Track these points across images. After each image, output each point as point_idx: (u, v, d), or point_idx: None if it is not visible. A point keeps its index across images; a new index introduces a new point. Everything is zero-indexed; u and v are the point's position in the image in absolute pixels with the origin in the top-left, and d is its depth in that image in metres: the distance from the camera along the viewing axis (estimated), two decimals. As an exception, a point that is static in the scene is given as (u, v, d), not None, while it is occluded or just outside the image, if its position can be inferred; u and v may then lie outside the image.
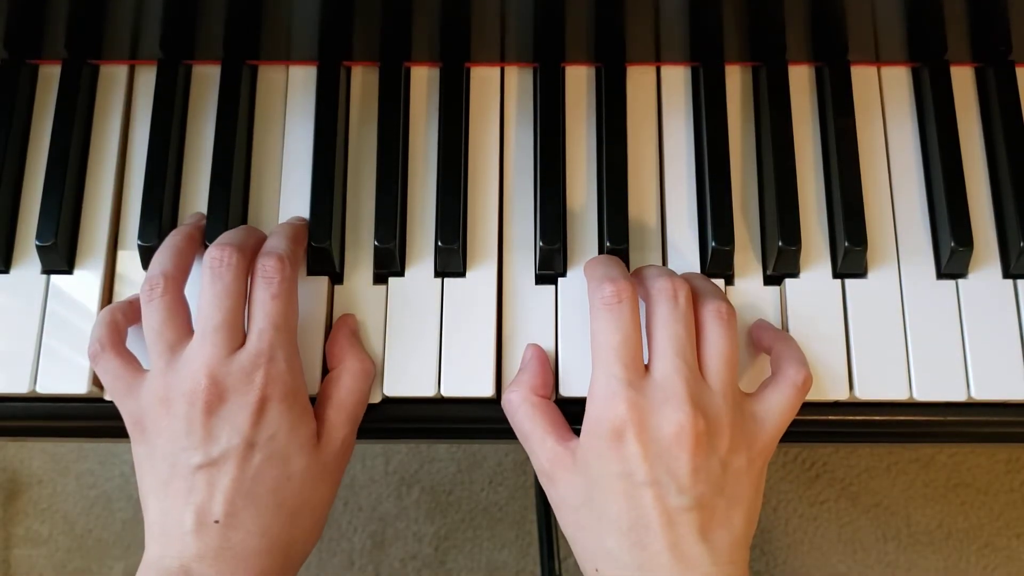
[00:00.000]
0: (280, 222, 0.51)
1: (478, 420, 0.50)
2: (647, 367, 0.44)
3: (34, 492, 1.17)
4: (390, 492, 1.16)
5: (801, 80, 0.54)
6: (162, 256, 0.47)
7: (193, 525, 0.43)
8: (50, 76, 0.54)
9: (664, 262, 0.51)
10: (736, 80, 0.54)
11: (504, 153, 0.53)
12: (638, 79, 0.54)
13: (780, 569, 1.15)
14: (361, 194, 0.52)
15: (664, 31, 0.52)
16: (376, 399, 0.49)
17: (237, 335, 0.45)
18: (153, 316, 0.45)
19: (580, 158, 0.52)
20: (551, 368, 0.48)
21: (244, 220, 0.52)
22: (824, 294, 0.50)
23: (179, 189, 0.52)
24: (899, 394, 0.48)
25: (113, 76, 0.54)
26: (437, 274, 0.50)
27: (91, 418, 0.50)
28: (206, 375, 0.43)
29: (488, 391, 0.48)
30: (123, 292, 0.51)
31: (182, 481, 0.43)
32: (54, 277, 0.50)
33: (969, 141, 0.53)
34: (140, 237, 0.50)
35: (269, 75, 0.54)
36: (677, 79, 0.54)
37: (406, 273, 0.50)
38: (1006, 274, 0.51)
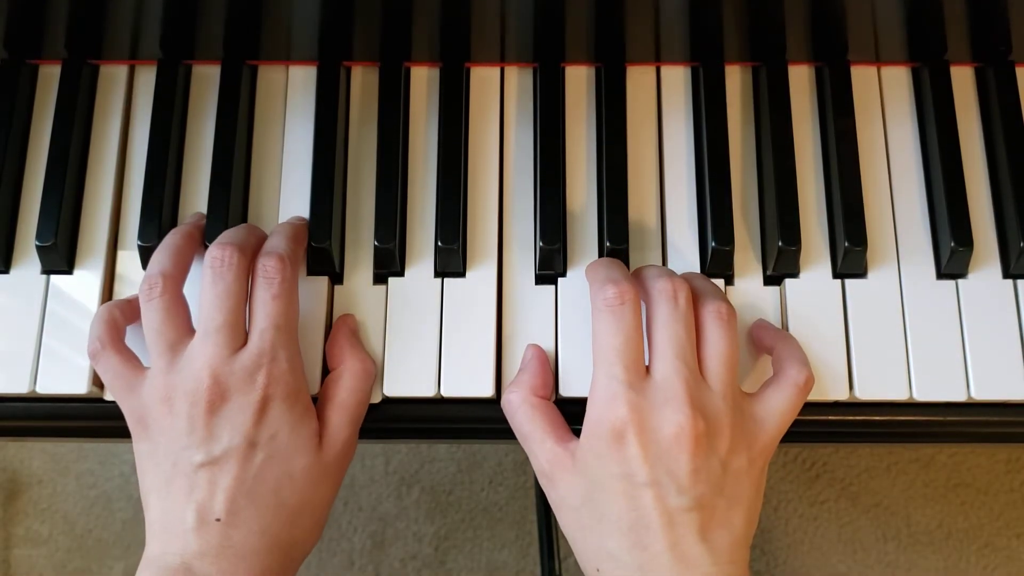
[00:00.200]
0: (280, 222, 0.51)
1: (478, 420, 0.50)
2: (647, 368, 0.44)
3: (34, 492, 1.17)
4: (390, 492, 1.16)
5: (801, 80, 0.54)
6: (161, 255, 0.47)
7: (194, 523, 0.43)
8: (50, 76, 0.54)
9: (664, 262, 0.51)
10: (736, 80, 0.54)
11: (504, 153, 0.53)
12: (638, 79, 0.54)
13: (780, 569, 1.15)
14: (361, 194, 0.52)
15: (664, 31, 0.52)
16: (376, 399, 0.49)
17: (239, 335, 0.45)
18: (153, 316, 0.45)
19: (580, 158, 0.52)
20: (551, 368, 0.48)
21: (244, 220, 0.52)
22: (824, 294, 0.50)
23: (179, 189, 0.52)
24: (899, 394, 0.48)
25: (113, 76, 0.54)
26: (437, 274, 0.50)
27: (91, 418, 0.50)
28: (209, 374, 0.43)
29: (488, 391, 0.48)
30: (123, 292, 0.51)
31: (184, 479, 0.43)
32: (54, 277, 0.50)
33: (969, 141, 0.53)
34: (140, 237, 0.50)
35: (269, 75, 0.54)
36: (677, 79, 0.54)
37: (406, 273, 0.50)
38: (1006, 274, 0.51)
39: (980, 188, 0.52)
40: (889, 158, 0.53)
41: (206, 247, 0.47)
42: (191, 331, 0.45)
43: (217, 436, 0.43)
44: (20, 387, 0.48)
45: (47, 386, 0.49)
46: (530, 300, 0.50)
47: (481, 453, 1.17)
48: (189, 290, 0.47)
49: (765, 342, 0.48)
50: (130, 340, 0.48)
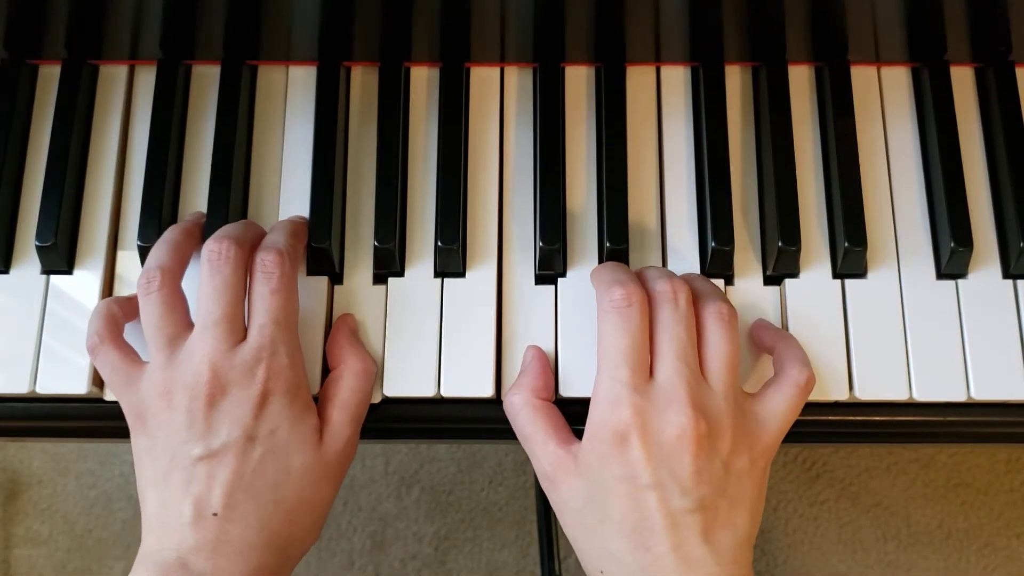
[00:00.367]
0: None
1: (478, 420, 0.50)
2: (650, 370, 0.44)
3: (34, 492, 1.17)
4: (390, 492, 1.16)
5: (801, 80, 0.54)
6: (159, 250, 0.47)
7: (191, 517, 0.43)
8: (50, 76, 0.54)
9: (664, 262, 0.51)
10: (736, 80, 0.54)
11: (504, 153, 0.53)
12: (638, 79, 0.54)
13: (780, 569, 1.15)
14: (361, 194, 0.52)
15: (664, 31, 0.52)
16: (376, 399, 0.49)
17: (238, 328, 0.45)
18: (151, 310, 0.45)
19: (580, 158, 0.52)
20: (552, 369, 0.48)
21: (244, 220, 0.52)
22: (824, 294, 0.50)
23: (179, 189, 0.52)
24: (899, 394, 0.48)
25: (113, 76, 0.54)
26: (437, 274, 0.50)
27: (91, 418, 0.50)
28: (208, 368, 0.43)
29: (488, 391, 0.48)
30: (122, 292, 0.51)
31: (182, 473, 0.43)
32: (54, 277, 0.50)
33: (969, 141, 0.53)
34: (140, 237, 0.50)
35: (269, 75, 0.54)
36: (677, 79, 0.54)
37: (406, 273, 0.50)
38: (1006, 274, 0.51)
39: (980, 188, 0.52)
40: (889, 158, 0.53)
41: None
42: (190, 325, 0.45)
43: (216, 430, 0.43)
44: (20, 387, 0.48)
45: (47, 386, 0.49)
46: (530, 300, 0.50)
47: (481, 453, 1.17)
48: (188, 286, 0.47)
49: (765, 342, 0.48)
50: (129, 337, 0.48)
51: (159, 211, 0.50)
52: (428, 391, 0.48)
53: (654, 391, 0.43)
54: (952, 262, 0.50)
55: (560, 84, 0.53)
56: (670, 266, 0.51)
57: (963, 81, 0.54)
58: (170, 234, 0.48)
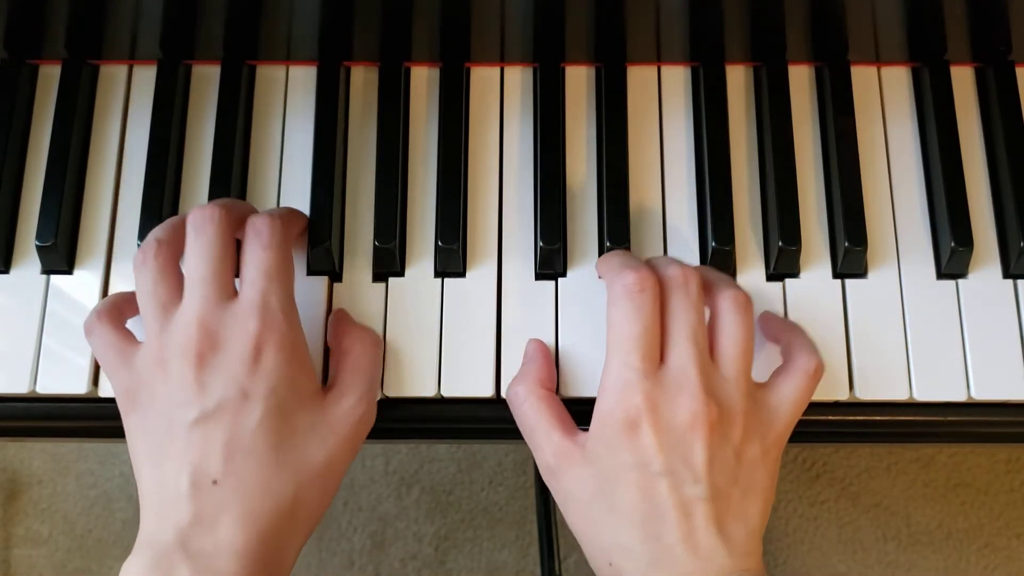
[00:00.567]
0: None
1: (478, 420, 0.50)
2: (661, 356, 0.44)
3: (34, 492, 1.17)
4: (390, 492, 1.16)
5: (801, 80, 0.54)
6: (157, 228, 0.46)
7: (189, 488, 0.41)
8: (50, 76, 0.54)
9: (664, 262, 0.51)
10: (736, 80, 0.54)
11: (504, 153, 0.53)
12: (638, 79, 0.54)
13: (780, 569, 1.15)
14: (361, 194, 0.52)
15: (664, 31, 0.52)
16: (376, 398, 0.49)
17: (227, 286, 0.43)
18: (145, 277, 0.44)
19: (580, 158, 0.52)
20: (554, 362, 0.48)
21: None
22: (824, 294, 0.50)
23: (179, 189, 0.52)
24: (899, 394, 0.48)
25: (113, 76, 0.54)
26: (437, 274, 0.50)
27: (91, 418, 0.50)
28: (197, 325, 0.42)
29: (488, 391, 0.48)
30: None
31: (178, 441, 0.42)
32: (54, 277, 0.50)
33: (969, 141, 0.53)
34: (140, 237, 0.50)
35: (269, 75, 0.54)
36: (677, 79, 0.54)
37: (406, 273, 0.50)
38: (1006, 274, 0.51)
39: (980, 188, 0.52)
40: (889, 158, 0.53)
41: None
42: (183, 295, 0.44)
43: (209, 389, 0.42)
44: (20, 387, 0.48)
45: (47, 386, 0.49)
46: (530, 300, 0.50)
47: (481, 453, 1.17)
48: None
49: (772, 332, 0.48)
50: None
51: (159, 211, 0.50)
52: (428, 391, 0.48)
53: (665, 377, 0.43)
54: (952, 262, 0.50)
55: (560, 84, 0.53)
56: (670, 266, 0.51)
57: (963, 81, 0.54)
58: (169, 219, 0.47)
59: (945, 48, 0.53)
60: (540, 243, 0.49)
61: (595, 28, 0.51)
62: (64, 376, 0.49)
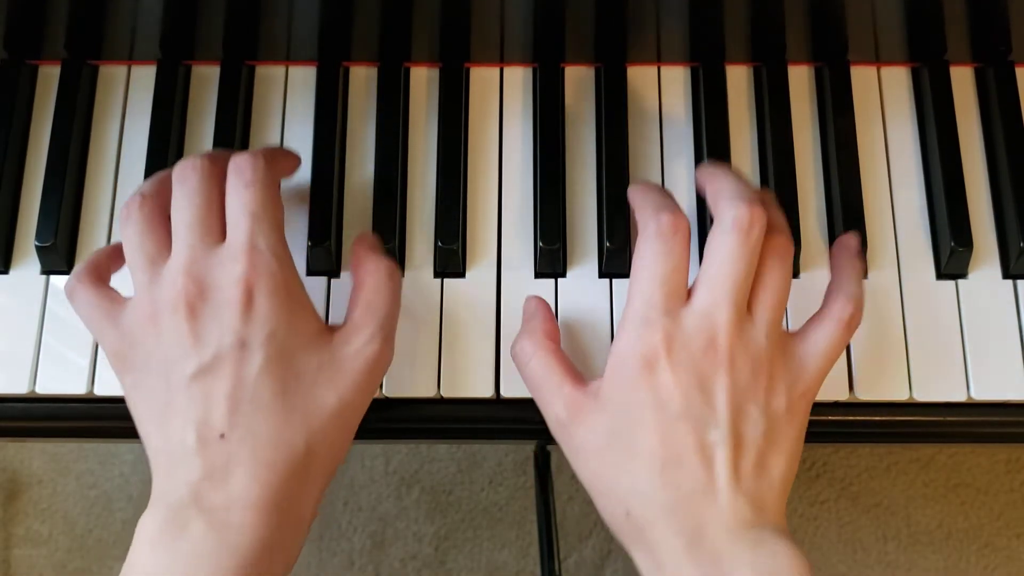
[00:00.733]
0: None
1: (478, 420, 0.50)
2: (688, 293, 0.42)
3: (34, 492, 1.17)
4: (390, 492, 1.16)
5: (801, 80, 0.54)
6: (142, 184, 0.45)
7: (195, 444, 0.39)
8: (50, 76, 0.54)
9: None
10: (736, 80, 0.54)
11: (504, 153, 0.53)
12: (638, 79, 0.54)
13: (780, 569, 1.15)
14: (360, 194, 0.52)
15: (664, 32, 0.52)
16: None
17: (213, 233, 0.42)
18: (131, 231, 0.43)
19: (580, 158, 0.52)
20: (555, 317, 0.47)
21: (244, 220, 0.52)
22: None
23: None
24: (899, 394, 0.48)
25: (113, 76, 0.54)
26: (437, 274, 0.50)
27: (91, 418, 0.50)
28: (184, 273, 0.41)
29: (488, 391, 0.48)
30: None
31: (180, 398, 0.40)
32: (54, 277, 0.50)
33: (969, 141, 0.53)
34: (140, 237, 0.50)
35: (268, 75, 0.54)
36: (677, 79, 0.54)
37: (406, 273, 0.50)
38: (1006, 274, 0.51)
39: (980, 188, 0.52)
40: (889, 158, 0.53)
41: None
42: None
43: (205, 340, 0.40)
44: (20, 387, 0.48)
45: (47, 386, 0.49)
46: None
47: (481, 453, 1.17)
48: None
49: (832, 267, 0.46)
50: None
51: (159, 211, 0.50)
52: (428, 391, 0.48)
53: (688, 318, 0.41)
54: (952, 262, 0.50)
55: (560, 84, 0.53)
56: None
57: (963, 81, 0.54)
58: (154, 175, 0.46)
59: (945, 48, 0.53)
60: (540, 243, 0.49)
61: (595, 28, 0.51)
62: (64, 376, 0.49)
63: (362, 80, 0.54)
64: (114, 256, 0.46)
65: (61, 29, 0.52)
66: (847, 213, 0.50)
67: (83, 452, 1.16)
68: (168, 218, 0.43)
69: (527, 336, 0.45)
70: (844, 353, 0.49)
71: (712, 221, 0.43)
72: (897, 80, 0.54)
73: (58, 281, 0.50)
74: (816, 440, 0.50)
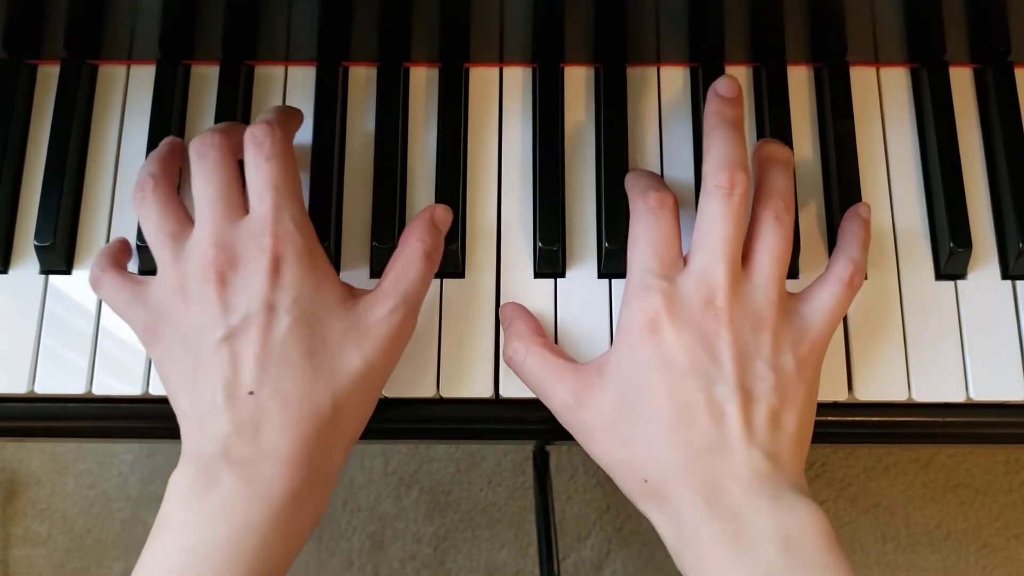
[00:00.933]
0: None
1: (478, 420, 0.50)
2: (685, 260, 0.44)
3: (33, 492, 1.17)
4: (389, 492, 1.16)
5: (800, 81, 0.54)
6: (147, 163, 0.47)
7: (224, 401, 0.41)
8: (49, 76, 0.54)
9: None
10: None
11: (503, 153, 0.53)
12: (638, 80, 0.54)
13: (779, 569, 1.15)
14: (359, 194, 0.52)
15: (664, 32, 0.52)
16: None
17: (236, 206, 0.44)
18: (149, 212, 0.45)
19: (579, 158, 0.52)
20: (534, 316, 0.48)
21: (243, 220, 0.52)
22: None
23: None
24: (898, 395, 0.48)
25: (112, 76, 0.54)
26: (436, 274, 0.50)
27: (90, 418, 0.50)
28: (212, 245, 0.42)
29: (487, 391, 0.48)
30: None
31: (209, 361, 0.41)
32: (53, 277, 0.50)
33: (968, 142, 0.53)
34: (139, 237, 0.50)
35: (268, 75, 0.54)
36: (677, 79, 0.54)
37: (405, 273, 0.50)
38: (1005, 275, 0.51)
39: (979, 189, 0.52)
40: (888, 159, 0.53)
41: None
42: (191, 222, 0.45)
43: (233, 306, 0.42)
44: (19, 387, 0.48)
45: (46, 386, 0.49)
46: (529, 300, 0.50)
47: (480, 453, 1.17)
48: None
49: (841, 229, 0.48)
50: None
51: (158, 211, 0.50)
52: (428, 391, 0.48)
53: (686, 279, 0.43)
54: (951, 263, 0.50)
55: (559, 84, 0.53)
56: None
57: (962, 82, 0.54)
58: (155, 152, 0.48)
59: (944, 49, 0.53)
60: (539, 243, 0.49)
61: (594, 29, 0.51)
62: (63, 376, 0.49)
63: (362, 80, 0.54)
64: (126, 249, 0.49)
65: (60, 28, 0.52)
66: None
67: (82, 452, 1.16)
68: (177, 195, 0.46)
69: (514, 338, 0.46)
70: (843, 354, 0.49)
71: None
72: (896, 81, 0.54)
73: (57, 281, 0.50)
74: (815, 440, 0.50)
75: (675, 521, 0.41)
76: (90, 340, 0.49)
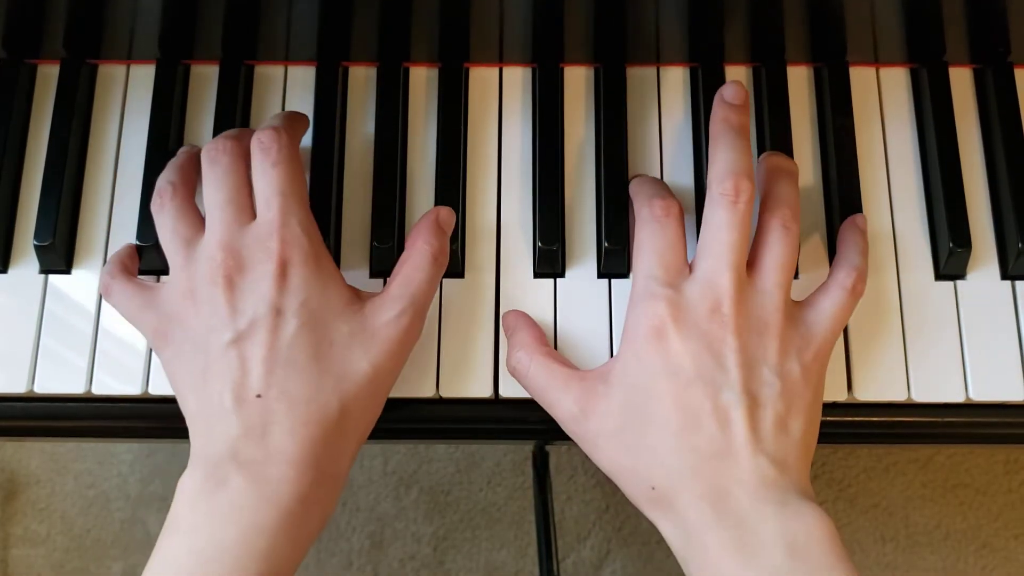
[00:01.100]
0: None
1: (477, 420, 0.50)
2: (691, 268, 0.44)
3: (32, 492, 1.17)
4: (388, 492, 1.16)
5: (800, 81, 0.54)
6: (167, 171, 0.48)
7: (232, 403, 0.41)
8: (49, 76, 0.54)
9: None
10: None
11: (503, 153, 0.53)
12: (638, 79, 0.54)
13: (778, 570, 1.15)
14: (359, 194, 0.52)
15: (663, 32, 0.52)
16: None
17: (246, 211, 0.44)
18: (165, 219, 0.45)
19: (579, 158, 0.52)
20: (537, 324, 0.48)
21: (243, 220, 0.52)
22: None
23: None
24: (897, 395, 0.49)
25: (112, 76, 0.54)
26: (436, 274, 0.50)
27: (89, 418, 0.50)
28: (220, 249, 0.43)
29: (487, 392, 0.48)
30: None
31: (217, 364, 0.42)
32: (52, 277, 0.50)
33: (967, 142, 0.53)
34: (139, 237, 0.50)
35: (268, 75, 0.54)
36: (677, 79, 0.54)
37: (405, 273, 0.50)
38: (1004, 275, 0.51)
39: (978, 189, 0.52)
40: (887, 159, 0.53)
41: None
42: (204, 229, 0.45)
43: (241, 309, 0.42)
44: (18, 387, 0.48)
45: (45, 386, 0.48)
46: (529, 300, 0.50)
47: (479, 453, 1.17)
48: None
49: (839, 239, 0.48)
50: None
51: (158, 211, 0.50)
52: (428, 392, 0.48)
53: (691, 286, 0.43)
54: (950, 263, 0.50)
55: (559, 84, 0.53)
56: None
57: (962, 82, 0.54)
58: (174, 160, 0.49)
59: (944, 49, 0.53)
60: (539, 243, 0.49)
61: (594, 29, 0.51)
62: (62, 376, 0.49)
63: (361, 80, 0.54)
64: (134, 255, 0.49)
65: (60, 28, 0.52)
66: (846, 214, 0.50)
67: (81, 452, 1.16)
68: (194, 202, 0.46)
69: (518, 347, 0.46)
70: (843, 354, 0.49)
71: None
72: (896, 81, 0.54)
73: (57, 281, 0.50)
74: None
75: (682, 528, 0.41)
76: (89, 340, 0.49)
